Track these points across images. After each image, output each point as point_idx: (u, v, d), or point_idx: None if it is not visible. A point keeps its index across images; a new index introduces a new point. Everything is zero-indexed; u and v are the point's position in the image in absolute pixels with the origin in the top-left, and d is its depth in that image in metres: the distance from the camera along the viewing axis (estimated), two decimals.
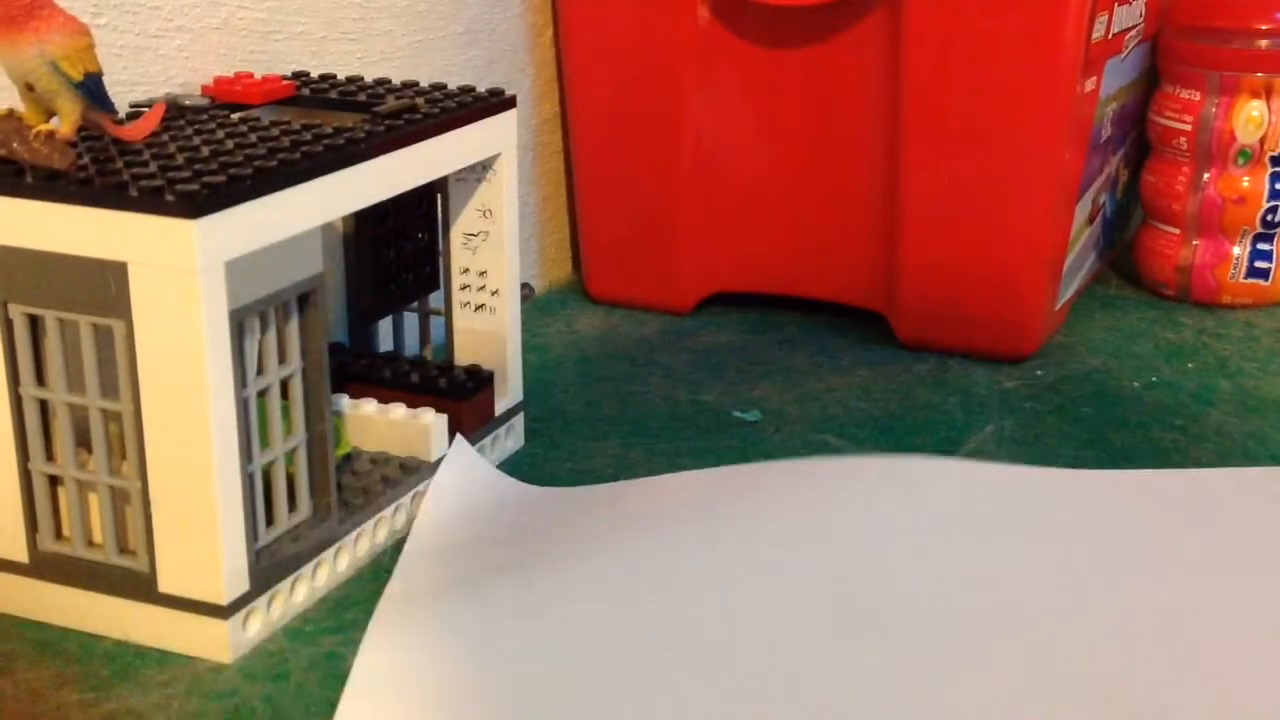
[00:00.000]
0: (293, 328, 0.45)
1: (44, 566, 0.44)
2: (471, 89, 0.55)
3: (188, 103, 0.51)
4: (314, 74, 0.58)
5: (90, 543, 0.44)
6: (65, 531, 0.45)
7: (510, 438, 0.58)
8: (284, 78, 0.55)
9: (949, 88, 0.65)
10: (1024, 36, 0.63)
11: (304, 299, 0.45)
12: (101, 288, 0.41)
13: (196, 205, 0.39)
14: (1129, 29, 0.71)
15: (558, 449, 0.59)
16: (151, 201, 0.39)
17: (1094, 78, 0.67)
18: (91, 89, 0.41)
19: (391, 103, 0.52)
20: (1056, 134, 0.65)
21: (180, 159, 0.43)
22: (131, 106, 0.51)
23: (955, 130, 0.65)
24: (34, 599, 0.45)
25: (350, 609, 0.46)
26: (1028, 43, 0.63)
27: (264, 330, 0.43)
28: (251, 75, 0.55)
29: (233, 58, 0.56)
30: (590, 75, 0.72)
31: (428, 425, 0.52)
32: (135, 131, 0.44)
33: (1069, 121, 0.65)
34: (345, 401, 0.53)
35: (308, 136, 0.46)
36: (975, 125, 0.65)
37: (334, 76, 0.57)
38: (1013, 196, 0.66)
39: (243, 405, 0.42)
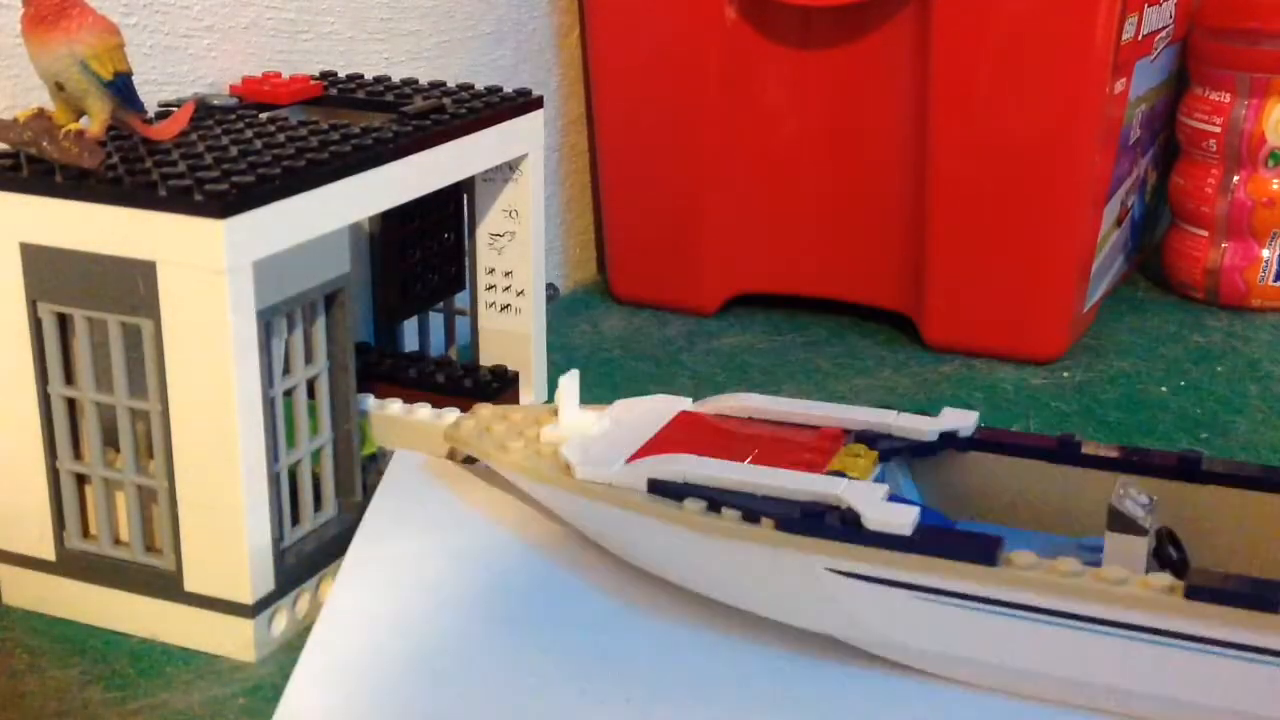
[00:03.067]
0: (319, 328, 0.45)
1: (71, 564, 0.45)
2: (499, 89, 0.55)
3: (216, 102, 0.51)
4: (342, 74, 0.58)
5: (117, 541, 0.44)
6: (92, 530, 0.45)
7: None
8: (312, 78, 0.56)
9: (977, 88, 0.65)
10: (1054, 38, 0.63)
11: (330, 299, 0.45)
12: (130, 287, 0.41)
13: (225, 205, 0.39)
14: (1159, 30, 0.71)
15: None
16: (180, 201, 0.39)
17: (1124, 79, 0.67)
18: (121, 88, 0.41)
19: (419, 103, 0.52)
20: (1086, 135, 0.64)
21: (209, 159, 0.43)
22: (161, 106, 0.51)
23: (983, 131, 0.65)
24: (61, 597, 0.45)
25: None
26: (1057, 44, 0.63)
27: (291, 330, 0.43)
28: (279, 75, 0.55)
29: (261, 57, 0.56)
30: (617, 76, 0.72)
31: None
32: (164, 131, 0.44)
33: (1098, 123, 0.65)
34: (370, 401, 0.53)
35: (335, 136, 0.46)
36: (1004, 126, 0.65)
37: (361, 76, 0.57)
38: (1041, 198, 0.65)
39: (269, 405, 0.42)
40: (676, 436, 0.46)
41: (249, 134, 0.46)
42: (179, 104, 0.50)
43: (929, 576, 0.39)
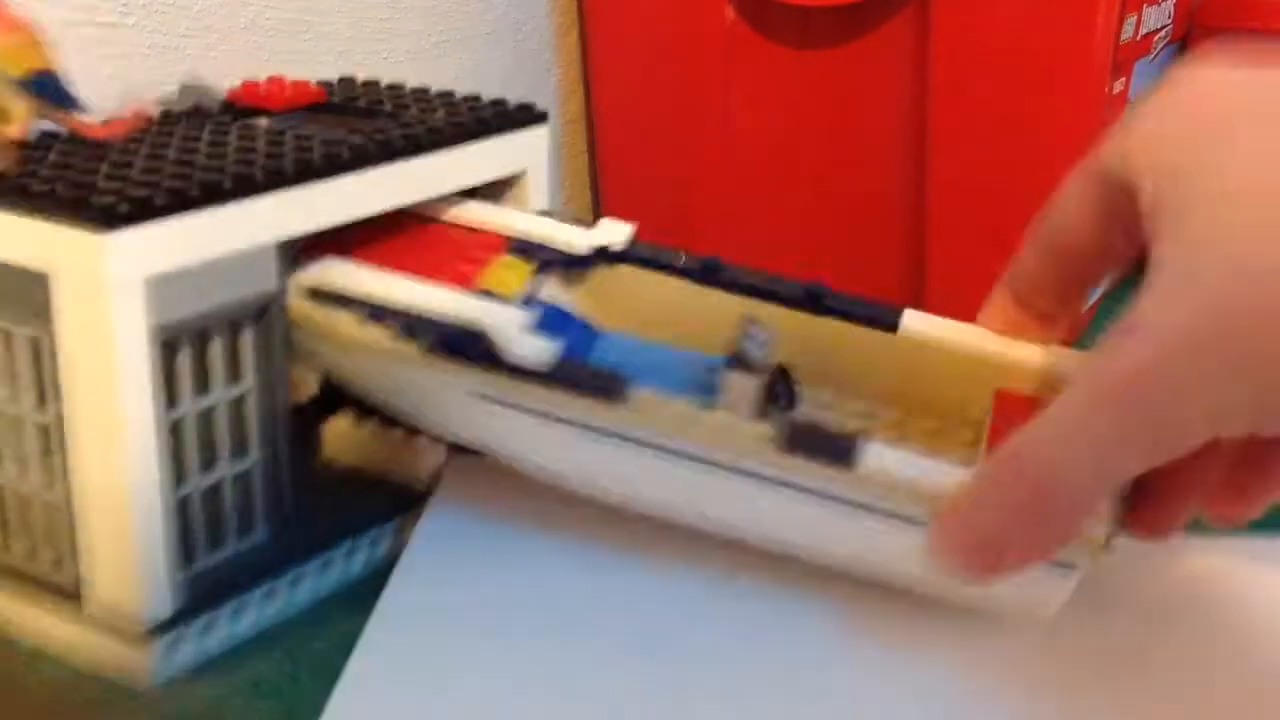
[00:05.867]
0: (246, 345, 0.43)
1: None
2: (502, 102, 0.52)
3: (205, 101, 0.50)
4: (341, 75, 0.56)
5: (31, 553, 0.44)
6: (10, 539, 0.44)
7: None
8: (316, 84, 0.54)
9: (976, 89, 0.63)
10: (1052, 38, 0.62)
11: (260, 314, 0.43)
12: (30, 297, 0.40)
13: (111, 218, 0.38)
14: (1158, 30, 0.69)
15: None
16: (69, 212, 0.38)
17: (1123, 79, 0.65)
18: (42, 87, 0.40)
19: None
20: (1085, 136, 0.62)
21: (138, 166, 0.42)
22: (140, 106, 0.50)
23: (982, 131, 0.64)
24: None
25: (301, 639, 0.44)
26: (1056, 44, 0.62)
27: (208, 346, 0.42)
28: (283, 79, 0.53)
29: (259, 57, 0.55)
30: (615, 76, 0.71)
31: (420, 449, 0.50)
32: (106, 131, 0.43)
33: (1098, 123, 0.63)
34: (345, 422, 0.51)
35: (284, 149, 0.44)
36: (1003, 126, 0.63)
37: (376, 84, 0.55)
38: (1040, 198, 0.63)
39: (170, 426, 0.41)
40: (357, 237, 0.46)
41: (202, 141, 0.45)
42: (195, 99, 0.49)
43: (559, 407, 0.42)
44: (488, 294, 0.44)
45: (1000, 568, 0.36)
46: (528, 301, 0.45)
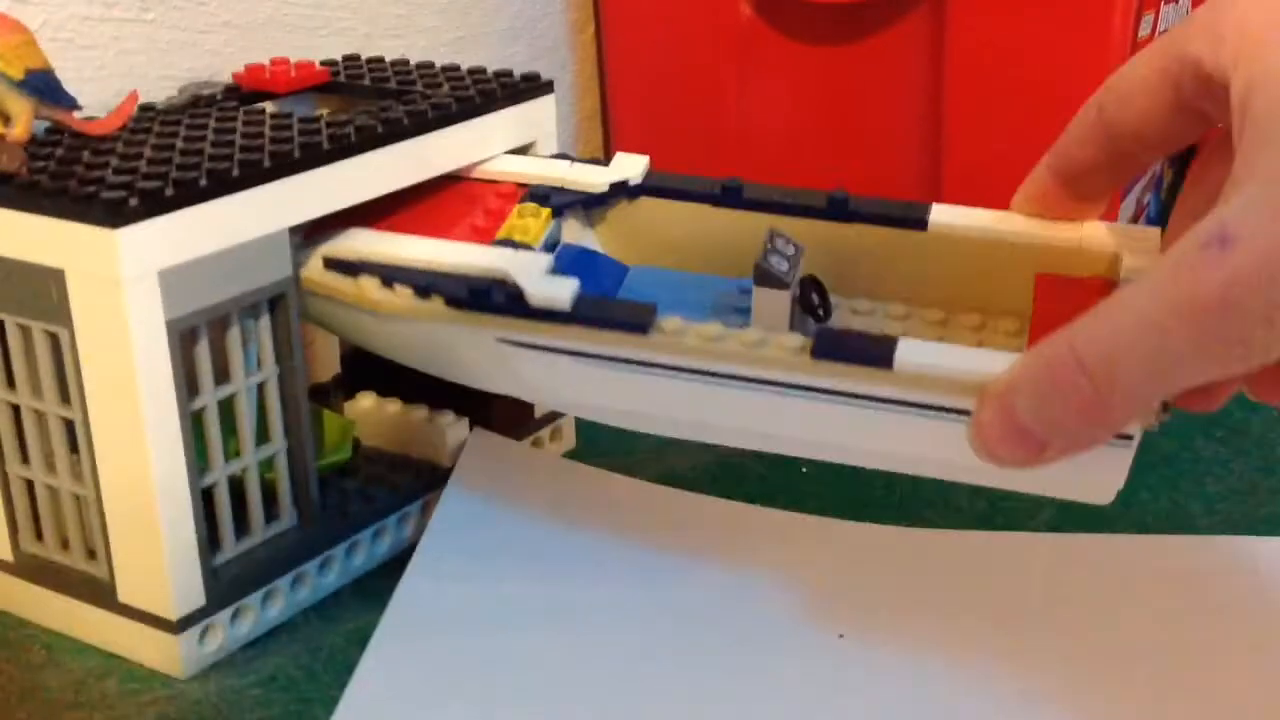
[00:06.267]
0: (264, 332, 0.43)
1: (26, 567, 0.45)
2: (508, 73, 0.52)
3: (205, 92, 0.50)
4: (364, 57, 0.56)
5: (65, 546, 0.44)
6: (43, 534, 0.44)
7: (557, 440, 0.55)
8: (320, 64, 0.54)
9: (992, 86, 0.62)
10: (1069, 36, 0.60)
11: (275, 301, 0.43)
12: (47, 294, 0.40)
13: (121, 214, 0.38)
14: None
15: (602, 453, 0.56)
16: (81, 208, 0.38)
17: None
18: (39, 86, 0.40)
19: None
20: None
21: (146, 159, 0.42)
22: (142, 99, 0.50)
23: (999, 129, 0.62)
24: (22, 598, 0.45)
25: (331, 625, 0.45)
26: (1073, 42, 0.60)
27: (226, 335, 0.42)
28: (287, 61, 0.53)
29: (277, 52, 0.55)
30: (631, 72, 0.70)
31: (444, 428, 0.50)
32: (104, 125, 0.43)
33: None
34: (368, 401, 0.52)
35: (292, 134, 0.44)
36: (1019, 124, 0.61)
37: (380, 61, 0.55)
38: None
39: (191, 416, 0.41)
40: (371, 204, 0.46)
41: (209, 129, 0.45)
42: (208, 91, 0.49)
43: (588, 344, 0.41)
44: (509, 242, 0.44)
45: (1042, 458, 0.35)
46: (551, 247, 0.45)
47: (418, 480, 0.50)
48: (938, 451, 0.39)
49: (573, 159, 0.49)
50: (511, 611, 0.44)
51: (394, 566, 0.47)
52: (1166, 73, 0.37)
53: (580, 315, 0.41)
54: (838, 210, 0.45)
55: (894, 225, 0.45)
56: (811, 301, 0.44)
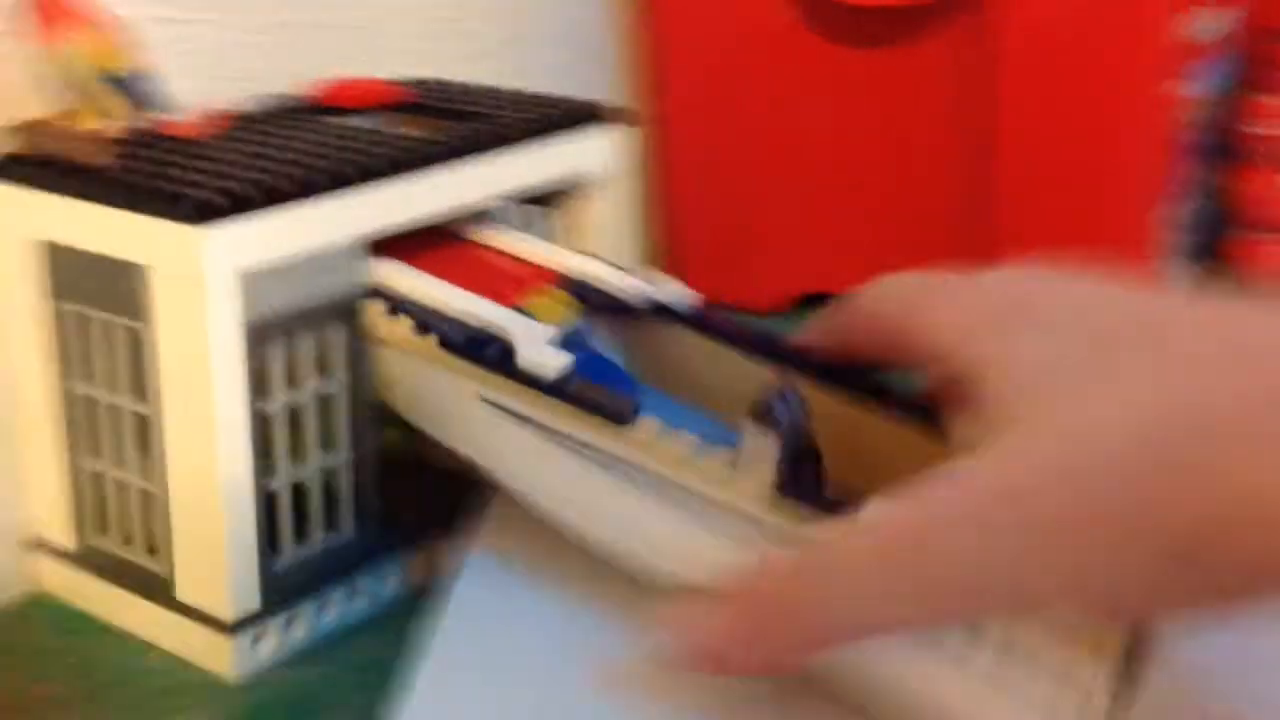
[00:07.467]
0: (337, 340, 0.43)
1: (88, 558, 0.45)
2: (570, 100, 0.52)
3: (288, 105, 0.51)
4: (418, 76, 0.56)
5: (127, 541, 0.44)
6: (108, 526, 0.45)
7: None
8: (397, 83, 0.54)
9: (1038, 90, 0.63)
10: (1115, 39, 0.62)
11: (349, 310, 0.43)
12: (130, 290, 0.40)
13: (207, 213, 0.38)
14: (1217, 32, 0.69)
15: None
16: (166, 206, 0.39)
17: (1181, 82, 0.65)
18: (130, 86, 0.41)
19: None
20: (1146, 137, 0.64)
21: (233, 161, 0.42)
22: (229, 104, 0.51)
23: (1045, 133, 0.64)
24: (83, 589, 0.45)
25: (384, 635, 0.45)
26: (1119, 45, 0.62)
27: (298, 342, 0.42)
28: (368, 79, 0.54)
29: (330, 55, 0.56)
30: (676, 76, 0.71)
31: None
32: (193, 128, 0.44)
33: (1159, 125, 0.63)
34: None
35: (365, 145, 0.45)
36: (1065, 128, 0.63)
37: (451, 84, 0.56)
38: (1101, 199, 0.65)
39: (260, 420, 0.41)
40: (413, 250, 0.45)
41: (294, 137, 0.45)
42: (273, 102, 0.50)
43: (561, 423, 0.40)
44: (520, 310, 0.43)
45: (721, 670, 0.36)
46: (567, 337, 0.43)
47: (478, 497, 0.49)
48: None
49: (624, 269, 0.47)
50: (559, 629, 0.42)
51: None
52: (895, 323, 0.39)
53: (562, 389, 0.40)
54: (862, 388, 0.42)
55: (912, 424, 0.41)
56: (801, 463, 0.39)
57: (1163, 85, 0.63)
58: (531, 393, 0.40)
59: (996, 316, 0.35)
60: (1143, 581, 0.31)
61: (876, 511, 0.33)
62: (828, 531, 0.35)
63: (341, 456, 0.44)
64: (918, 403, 0.41)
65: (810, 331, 0.44)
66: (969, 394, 0.34)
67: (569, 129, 0.51)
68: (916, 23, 0.66)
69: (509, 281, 0.45)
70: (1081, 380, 0.32)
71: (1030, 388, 0.33)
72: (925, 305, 0.38)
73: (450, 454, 0.49)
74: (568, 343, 0.42)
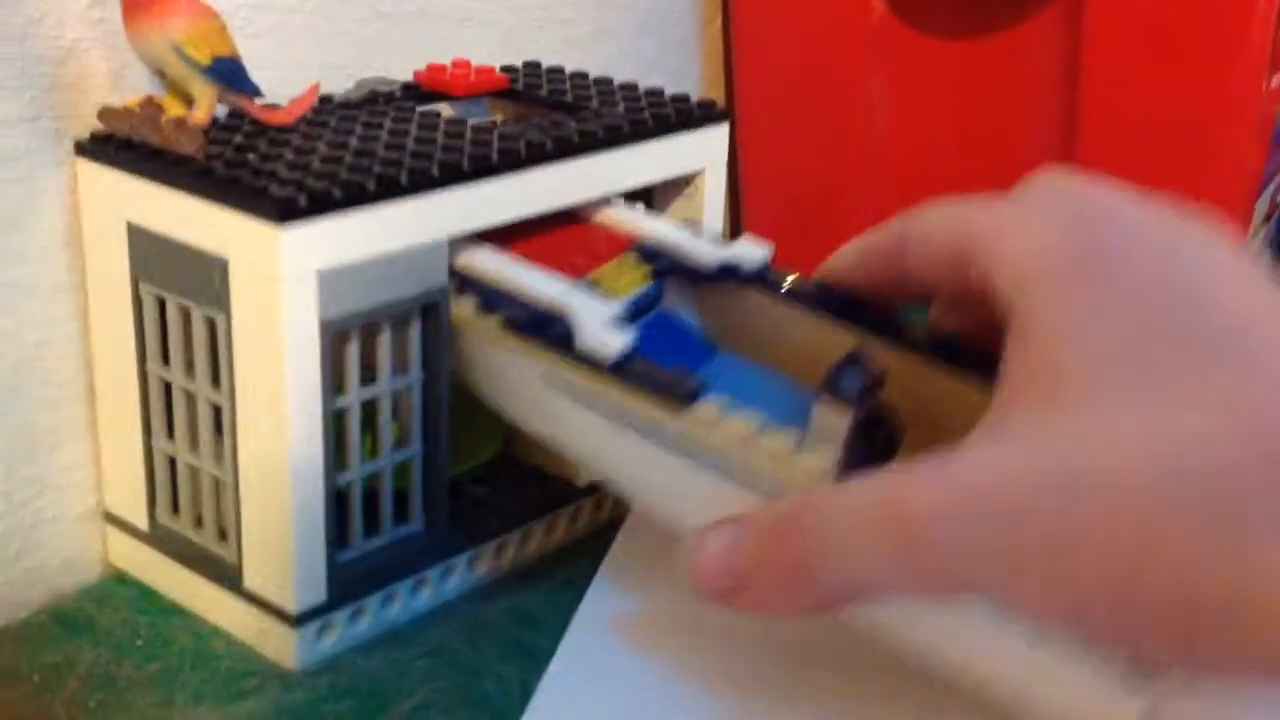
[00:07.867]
0: (413, 339, 0.43)
1: (159, 538, 0.45)
2: (684, 97, 0.51)
3: (383, 89, 0.50)
4: (516, 63, 0.56)
5: (198, 524, 0.45)
6: (179, 509, 0.45)
7: None
8: (502, 69, 0.54)
9: (1129, 84, 0.62)
10: (1208, 33, 0.60)
11: (427, 310, 0.43)
12: (209, 280, 0.40)
13: (287, 211, 0.38)
14: None
15: None
16: (248, 201, 0.39)
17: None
18: (223, 72, 0.41)
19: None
20: (1240, 130, 0.62)
21: (318, 156, 0.42)
22: (327, 92, 0.50)
23: (1135, 127, 0.62)
24: (152, 567, 0.46)
25: (449, 628, 0.45)
26: (1213, 39, 0.60)
27: (375, 339, 0.42)
28: (467, 64, 0.53)
29: (427, 44, 0.55)
30: (758, 67, 0.69)
31: None
32: (284, 115, 0.44)
33: (1252, 118, 0.61)
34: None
35: (463, 143, 0.44)
36: (1156, 121, 0.62)
37: (560, 71, 0.55)
38: (1192, 192, 0.63)
39: (333, 415, 0.41)
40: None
41: (383, 130, 0.45)
42: (363, 88, 0.50)
43: (621, 405, 0.39)
44: (591, 285, 0.43)
45: (740, 605, 0.35)
46: (637, 303, 0.43)
47: (547, 496, 0.49)
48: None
49: (697, 229, 0.47)
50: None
51: (513, 580, 0.47)
52: (957, 248, 0.37)
53: (620, 371, 0.39)
54: (940, 351, 0.41)
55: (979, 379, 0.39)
56: (872, 434, 0.39)
57: (1261, 77, 0.61)
58: (595, 371, 0.40)
59: (1066, 267, 0.33)
60: (1150, 631, 0.30)
61: (901, 484, 0.33)
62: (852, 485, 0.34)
63: (414, 451, 0.44)
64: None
65: (849, 255, 0.42)
66: (1016, 347, 0.33)
67: (685, 128, 0.50)
68: (1007, 14, 0.65)
69: (583, 252, 0.45)
70: (1145, 389, 0.30)
71: (1092, 378, 0.31)
72: (986, 235, 0.35)
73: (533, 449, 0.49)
74: (637, 309, 0.42)
